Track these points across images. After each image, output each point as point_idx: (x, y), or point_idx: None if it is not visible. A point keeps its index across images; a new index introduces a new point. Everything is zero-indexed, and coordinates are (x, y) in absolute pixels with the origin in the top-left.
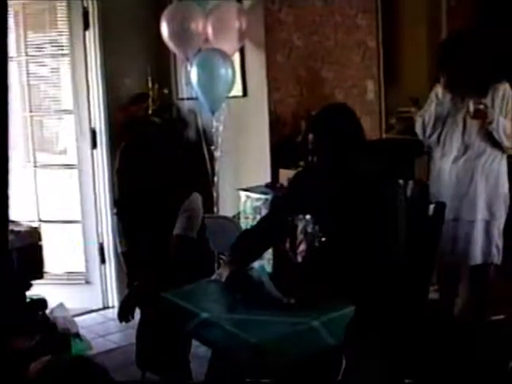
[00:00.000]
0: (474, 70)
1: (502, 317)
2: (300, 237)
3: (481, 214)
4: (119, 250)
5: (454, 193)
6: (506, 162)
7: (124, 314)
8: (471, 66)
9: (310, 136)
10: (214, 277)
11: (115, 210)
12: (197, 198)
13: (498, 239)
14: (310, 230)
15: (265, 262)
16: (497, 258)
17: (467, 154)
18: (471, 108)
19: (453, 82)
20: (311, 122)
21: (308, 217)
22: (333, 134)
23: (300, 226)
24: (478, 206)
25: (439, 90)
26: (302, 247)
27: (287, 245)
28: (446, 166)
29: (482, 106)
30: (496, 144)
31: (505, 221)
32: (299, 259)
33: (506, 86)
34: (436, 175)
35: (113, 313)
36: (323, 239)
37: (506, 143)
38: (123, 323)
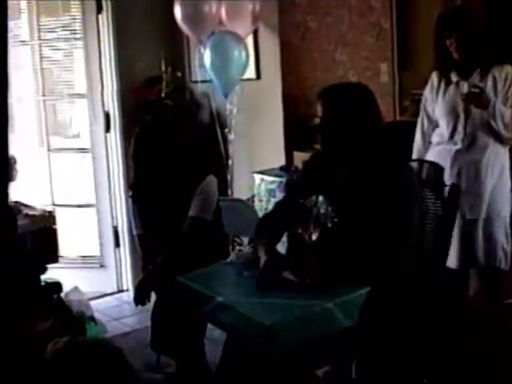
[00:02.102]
0: (471, 47)
1: None
2: (313, 218)
3: (485, 213)
4: (134, 232)
5: None
6: (509, 156)
7: (139, 298)
8: (468, 41)
9: (319, 108)
10: (229, 259)
11: (130, 194)
12: (212, 181)
13: (504, 240)
14: (323, 211)
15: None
16: (504, 262)
17: (469, 147)
18: (464, 91)
19: (445, 63)
20: (323, 92)
21: (321, 198)
22: (345, 108)
23: (313, 207)
24: (482, 205)
25: (434, 77)
26: (315, 229)
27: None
28: (446, 158)
29: (476, 90)
30: (499, 136)
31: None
32: (312, 240)
33: (509, 68)
34: None
35: (127, 296)
36: (336, 220)
37: (503, 133)
38: (138, 307)
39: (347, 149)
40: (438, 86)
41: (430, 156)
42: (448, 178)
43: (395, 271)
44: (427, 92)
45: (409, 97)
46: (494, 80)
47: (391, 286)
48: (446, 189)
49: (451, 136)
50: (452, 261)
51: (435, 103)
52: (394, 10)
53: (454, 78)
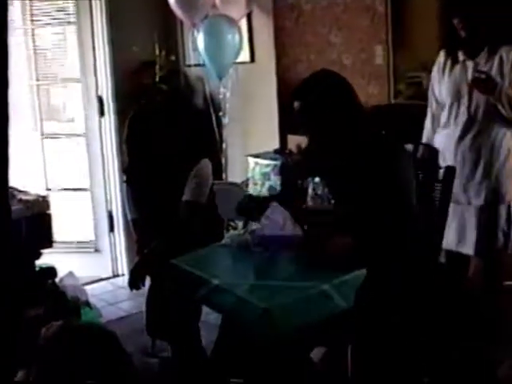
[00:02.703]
0: (477, 26)
1: None
2: (309, 199)
3: (489, 198)
4: (129, 217)
5: (460, 175)
6: None
7: (134, 282)
8: (475, 21)
9: (296, 104)
10: (224, 241)
11: (124, 178)
12: (206, 165)
13: (504, 224)
14: (319, 192)
15: None
16: (502, 243)
17: (473, 129)
18: (469, 75)
19: (452, 42)
20: (299, 89)
21: (317, 179)
22: (324, 103)
23: (309, 188)
24: (485, 190)
25: (442, 57)
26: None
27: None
28: (450, 144)
29: (482, 75)
30: (505, 119)
31: None
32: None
33: None
34: (440, 154)
35: (122, 281)
36: (332, 201)
37: (510, 115)
38: (133, 291)
39: (335, 143)
40: (444, 65)
41: (437, 139)
42: (452, 163)
43: (392, 252)
44: (434, 72)
45: (404, 80)
46: (501, 61)
47: (388, 268)
48: (442, 171)
49: (455, 117)
50: (470, 247)
51: (442, 83)
52: None
53: (460, 57)
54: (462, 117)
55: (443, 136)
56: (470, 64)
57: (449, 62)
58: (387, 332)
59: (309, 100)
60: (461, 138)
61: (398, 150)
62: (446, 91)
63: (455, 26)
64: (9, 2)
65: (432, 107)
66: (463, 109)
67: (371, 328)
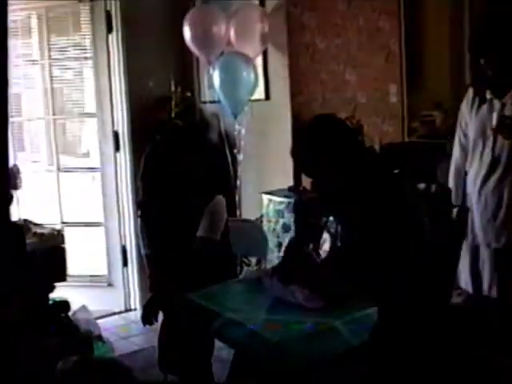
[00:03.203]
0: (504, 67)
1: None
2: (324, 237)
3: (510, 243)
4: (143, 252)
5: (482, 216)
6: None
7: (147, 317)
8: (501, 61)
9: (304, 151)
10: (242, 276)
11: (139, 213)
12: (220, 201)
13: None
14: (332, 230)
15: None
16: None
17: (497, 171)
18: (494, 120)
19: (479, 81)
20: (306, 138)
21: (331, 218)
22: (328, 151)
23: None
24: (506, 234)
25: (470, 93)
26: (326, 247)
27: (310, 246)
28: (475, 184)
29: (508, 121)
30: None
31: None
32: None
33: None
34: (468, 189)
35: (135, 315)
36: (343, 239)
37: None
38: (146, 326)
39: (342, 185)
40: (473, 102)
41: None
42: (476, 204)
43: (404, 291)
44: (463, 107)
45: (418, 118)
46: None
47: (400, 306)
48: (454, 210)
49: (480, 157)
50: (492, 290)
51: (470, 119)
52: (402, 31)
53: (488, 95)
54: (487, 158)
55: (470, 175)
56: (496, 103)
57: (476, 100)
58: (403, 371)
59: (310, 152)
60: (485, 179)
61: (408, 192)
62: (472, 129)
63: (482, 66)
64: (27, 35)
65: (461, 139)
66: (488, 150)
67: (387, 366)
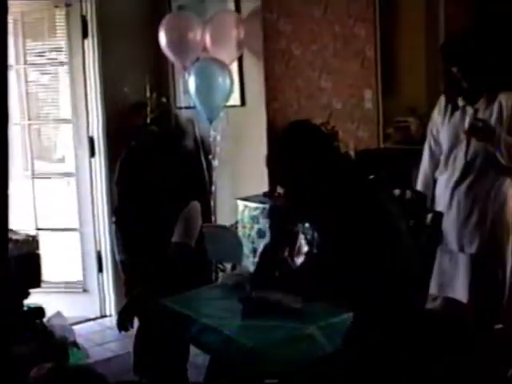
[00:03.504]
0: (476, 75)
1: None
2: (299, 243)
3: (483, 248)
4: (117, 258)
5: (454, 222)
6: None
7: (123, 324)
8: (473, 69)
9: (279, 158)
10: (219, 281)
11: (114, 219)
12: (195, 207)
13: (501, 274)
14: (309, 237)
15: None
16: (500, 296)
17: (470, 176)
18: (466, 124)
19: (452, 88)
20: (281, 145)
21: (307, 224)
22: (302, 158)
23: (300, 233)
24: (479, 238)
25: (442, 101)
26: (301, 253)
27: (286, 251)
28: (447, 189)
29: (479, 123)
30: (503, 166)
31: None
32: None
33: None
34: (437, 198)
35: (110, 321)
36: (319, 245)
37: (509, 165)
38: (121, 332)
39: (319, 189)
40: (445, 109)
41: (437, 184)
42: (447, 209)
43: (380, 295)
44: (435, 115)
45: (392, 124)
46: (500, 107)
47: (376, 309)
48: (430, 216)
49: (453, 163)
50: (463, 295)
51: (442, 127)
52: (377, 37)
53: (460, 103)
54: (459, 163)
55: (441, 180)
56: (469, 110)
57: (449, 108)
58: (376, 369)
59: (286, 161)
60: (457, 184)
61: (383, 198)
62: (445, 136)
63: (454, 74)
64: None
65: (431, 148)
66: (461, 155)
67: (361, 367)
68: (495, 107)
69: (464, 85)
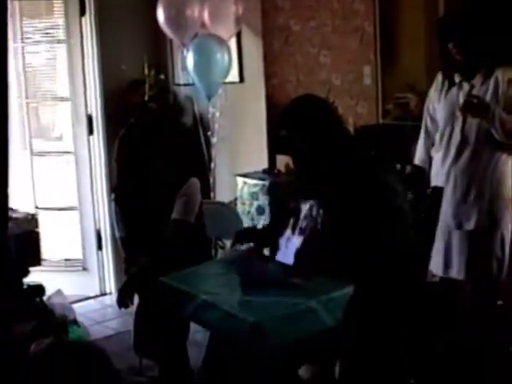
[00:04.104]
0: (471, 50)
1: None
2: (303, 219)
3: (481, 223)
4: (117, 235)
5: (452, 198)
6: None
7: (123, 301)
8: (468, 45)
9: (282, 133)
10: (220, 256)
11: (113, 197)
12: (194, 184)
13: (499, 251)
14: (314, 213)
15: None
16: (498, 273)
17: (466, 152)
18: (461, 100)
19: (448, 64)
20: (285, 116)
21: (309, 201)
22: (310, 129)
23: (304, 209)
24: (477, 214)
25: (439, 77)
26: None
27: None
28: (444, 167)
29: (474, 100)
30: (499, 142)
31: None
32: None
33: None
34: (433, 175)
35: (110, 299)
36: (323, 221)
37: (504, 140)
38: (121, 309)
39: (322, 167)
40: (442, 86)
41: (433, 161)
42: (444, 187)
43: (380, 270)
44: (431, 92)
45: (392, 100)
46: (497, 83)
47: (376, 286)
48: (429, 191)
49: (449, 139)
50: (460, 272)
51: (438, 104)
52: (377, 13)
53: (456, 79)
54: (455, 139)
55: (437, 158)
56: (465, 86)
57: (446, 84)
58: (376, 344)
59: (294, 129)
60: (454, 160)
61: (386, 170)
62: (442, 112)
63: (450, 50)
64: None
65: (427, 126)
66: (457, 131)
67: (361, 342)
68: (491, 83)
69: (459, 59)
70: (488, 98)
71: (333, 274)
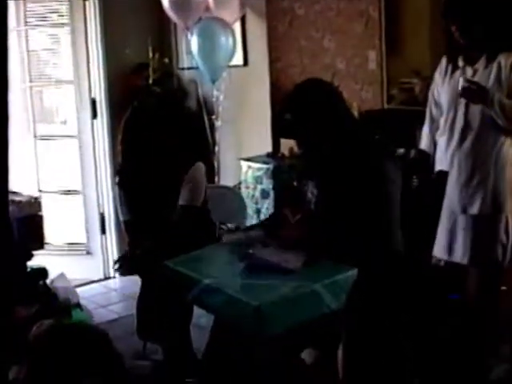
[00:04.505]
0: (474, 33)
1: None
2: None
3: (485, 208)
4: (121, 218)
5: (456, 182)
6: None
7: (120, 267)
8: (471, 28)
9: (287, 116)
10: (222, 242)
11: (117, 180)
12: (200, 168)
13: (504, 235)
14: (310, 195)
15: None
16: (502, 258)
17: (470, 137)
18: (460, 83)
19: (452, 48)
20: (289, 100)
21: (311, 182)
22: (315, 114)
23: (308, 191)
24: (481, 199)
25: (443, 62)
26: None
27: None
28: (448, 151)
29: (472, 86)
30: (501, 128)
31: None
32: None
33: None
34: (438, 160)
35: (114, 283)
36: (317, 202)
37: (506, 125)
38: (124, 292)
39: (326, 150)
40: (446, 70)
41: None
42: (449, 170)
43: (381, 253)
44: (436, 76)
45: (396, 85)
46: (499, 67)
47: (379, 269)
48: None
49: (452, 123)
50: (464, 257)
51: (442, 88)
52: None
53: (460, 63)
54: (459, 123)
55: (441, 142)
56: (469, 70)
57: (450, 68)
58: (378, 329)
59: (299, 113)
60: (458, 145)
61: (385, 156)
62: (445, 96)
63: (454, 33)
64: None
65: (432, 111)
66: (460, 115)
67: (363, 327)
68: (494, 67)
69: (462, 43)
70: (490, 82)
71: (331, 257)
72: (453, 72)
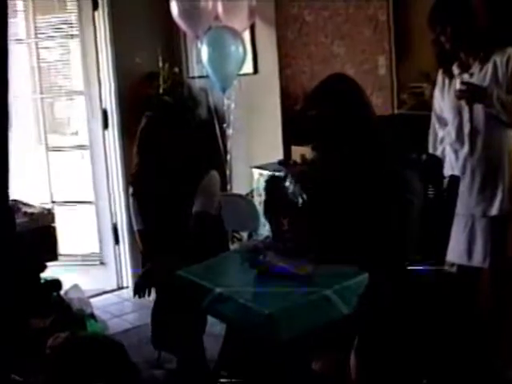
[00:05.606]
0: (465, 39)
1: None
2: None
3: (505, 207)
4: (135, 228)
5: (471, 187)
6: None
7: (140, 288)
8: (461, 35)
9: (312, 112)
10: (235, 250)
11: (131, 191)
12: (215, 176)
13: None
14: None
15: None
16: None
17: (479, 140)
18: (457, 86)
19: (444, 59)
20: (317, 93)
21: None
22: (343, 107)
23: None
24: (500, 199)
25: (440, 75)
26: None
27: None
28: (459, 160)
29: (463, 87)
30: (507, 126)
31: None
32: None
33: (511, 51)
34: (448, 169)
35: (127, 293)
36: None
37: (509, 121)
38: (138, 302)
39: (348, 150)
40: (443, 82)
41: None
42: (462, 176)
43: (392, 258)
44: (436, 92)
45: (406, 90)
46: (495, 66)
47: (390, 274)
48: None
49: (459, 130)
50: (485, 261)
51: (442, 100)
52: (390, 2)
53: (455, 71)
54: (466, 128)
55: (450, 151)
56: (465, 76)
57: (446, 79)
58: (389, 335)
59: (325, 107)
60: (469, 152)
61: (406, 162)
62: (448, 107)
63: (443, 43)
64: (13, 14)
65: (434, 128)
66: (466, 120)
67: (375, 331)
68: (489, 67)
69: (454, 49)
70: (487, 81)
71: (344, 261)
72: (450, 82)
